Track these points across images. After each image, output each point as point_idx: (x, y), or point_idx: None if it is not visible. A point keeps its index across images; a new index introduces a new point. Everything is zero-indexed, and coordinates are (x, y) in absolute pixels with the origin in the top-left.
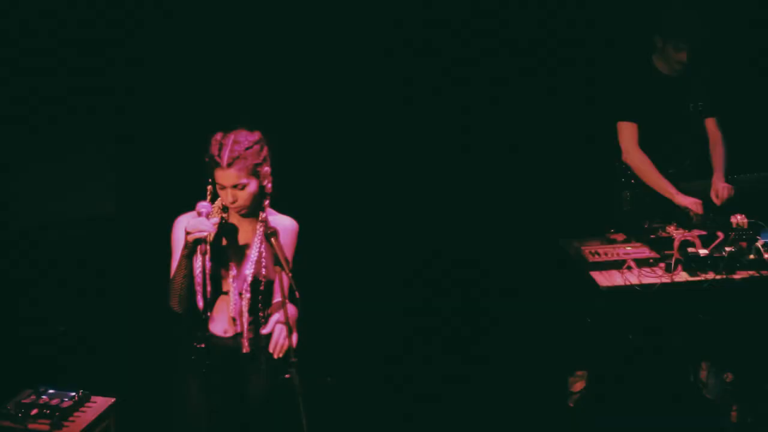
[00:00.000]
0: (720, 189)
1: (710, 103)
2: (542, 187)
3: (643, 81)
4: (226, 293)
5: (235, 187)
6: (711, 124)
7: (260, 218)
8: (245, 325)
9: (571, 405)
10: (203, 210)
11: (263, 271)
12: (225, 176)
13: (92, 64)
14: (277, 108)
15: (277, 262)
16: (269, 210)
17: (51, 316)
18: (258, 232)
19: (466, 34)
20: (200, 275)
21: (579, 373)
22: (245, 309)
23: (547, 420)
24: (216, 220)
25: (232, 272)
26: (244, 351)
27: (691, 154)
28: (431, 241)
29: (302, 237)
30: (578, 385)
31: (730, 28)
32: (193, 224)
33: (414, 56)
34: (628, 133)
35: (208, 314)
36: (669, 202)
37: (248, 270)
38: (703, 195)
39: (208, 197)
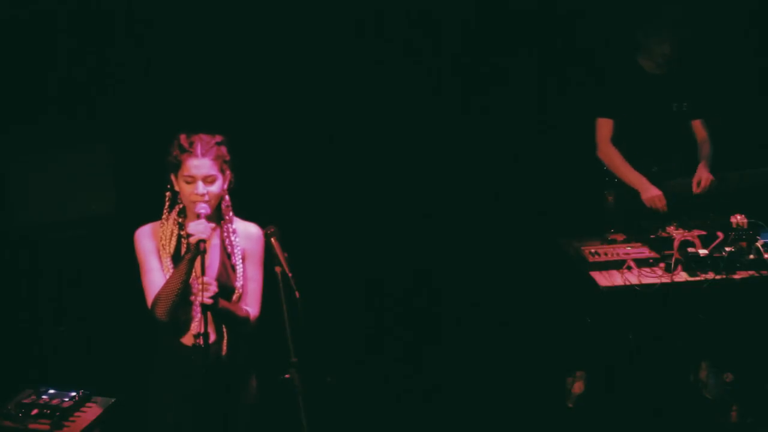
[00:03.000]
0: (704, 178)
1: (696, 105)
2: (542, 187)
3: (625, 78)
4: (191, 303)
5: (205, 179)
6: (698, 126)
7: (224, 225)
8: (214, 335)
9: (571, 405)
10: (202, 211)
11: (224, 279)
12: (198, 165)
13: (91, 64)
14: (267, 113)
15: (277, 261)
16: (234, 217)
17: (51, 316)
18: (218, 240)
19: (456, 35)
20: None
21: (578, 373)
22: (211, 318)
23: (547, 420)
24: (213, 224)
25: (197, 281)
26: (223, 353)
27: (676, 152)
28: (432, 240)
29: (304, 236)
30: (578, 386)
31: (716, 26)
32: (194, 226)
33: (405, 56)
34: (602, 130)
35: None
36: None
37: (212, 278)
38: (684, 190)
39: (167, 205)
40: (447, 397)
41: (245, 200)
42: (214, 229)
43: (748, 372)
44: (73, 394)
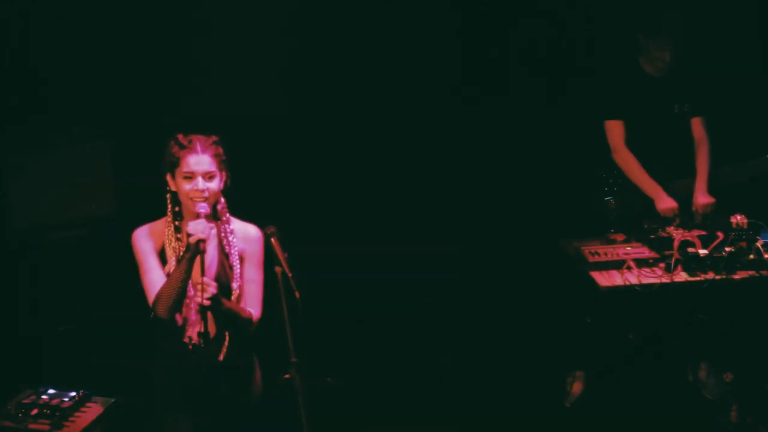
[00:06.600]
0: (700, 206)
1: (696, 103)
2: (542, 188)
3: (629, 81)
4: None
5: (205, 175)
6: (696, 124)
7: (222, 225)
8: (214, 334)
9: (569, 405)
10: (202, 210)
11: (223, 279)
12: (198, 161)
13: (90, 63)
14: (266, 113)
15: (277, 262)
16: (231, 218)
17: (51, 317)
18: (216, 240)
19: (459, 39)
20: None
21: (577, 373)
22: (211, 317)
23: (546, 420)
24: (212, 224)
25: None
26: (220, 358)
27: (676, 154)
28: (432, 241)
29: (303, 236)
30: (577, 386)
31: (718, 27)
32: (194, 226)
33: (404, 56)
34: (615, 132)
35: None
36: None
37: (211, 278)
38: (687, 191)
39: (169, 206)
40: (447, 397)
41: (245, 200)
42: (212, 229)
43: (748, 372)
44: (73, 394)
